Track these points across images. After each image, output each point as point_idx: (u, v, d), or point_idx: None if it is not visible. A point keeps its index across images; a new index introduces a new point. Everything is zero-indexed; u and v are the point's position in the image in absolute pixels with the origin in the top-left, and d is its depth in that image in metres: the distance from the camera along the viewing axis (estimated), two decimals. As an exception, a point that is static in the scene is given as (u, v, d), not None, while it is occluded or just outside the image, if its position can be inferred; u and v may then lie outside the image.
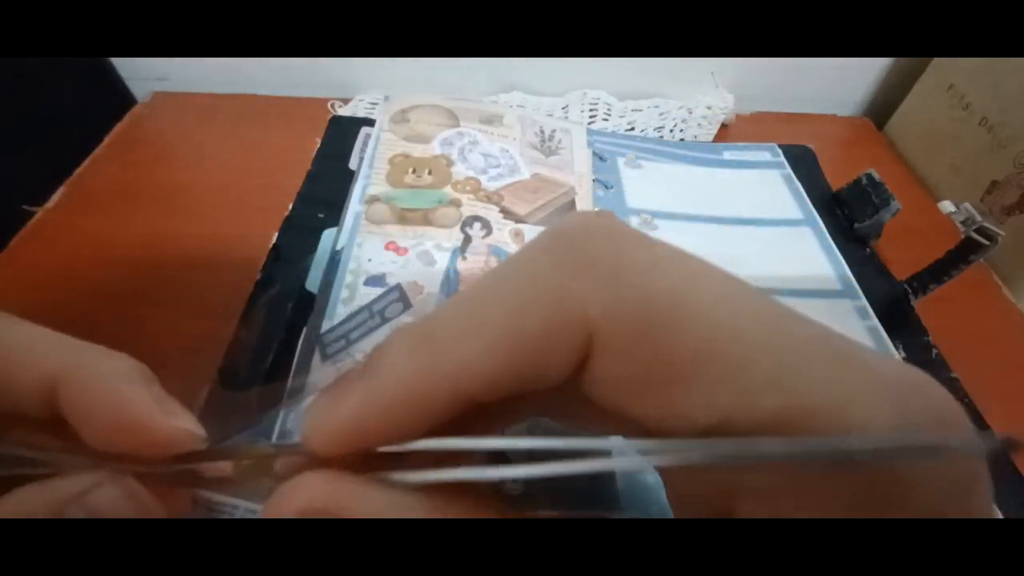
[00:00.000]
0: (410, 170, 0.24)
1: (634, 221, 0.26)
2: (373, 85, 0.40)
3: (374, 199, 0.23)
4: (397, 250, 0.21)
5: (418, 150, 0.25)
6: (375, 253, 0.21)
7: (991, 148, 0.33)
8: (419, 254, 0.22)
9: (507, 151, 0.26)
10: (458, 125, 0.27)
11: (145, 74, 0.41)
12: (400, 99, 0.28)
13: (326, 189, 0.31)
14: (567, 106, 0.40)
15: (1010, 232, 0.31)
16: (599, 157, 0.28)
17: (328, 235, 0.25)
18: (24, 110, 0.33)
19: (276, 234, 0.29)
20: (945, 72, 0.37)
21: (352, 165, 0.26)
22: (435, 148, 0.26)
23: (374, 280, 0.20)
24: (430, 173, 0.24)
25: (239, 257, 0.25)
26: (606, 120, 0.39)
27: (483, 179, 0.25)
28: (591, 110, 0.40)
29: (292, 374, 0.20)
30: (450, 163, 0.25)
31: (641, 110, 0.38)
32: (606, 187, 0.27)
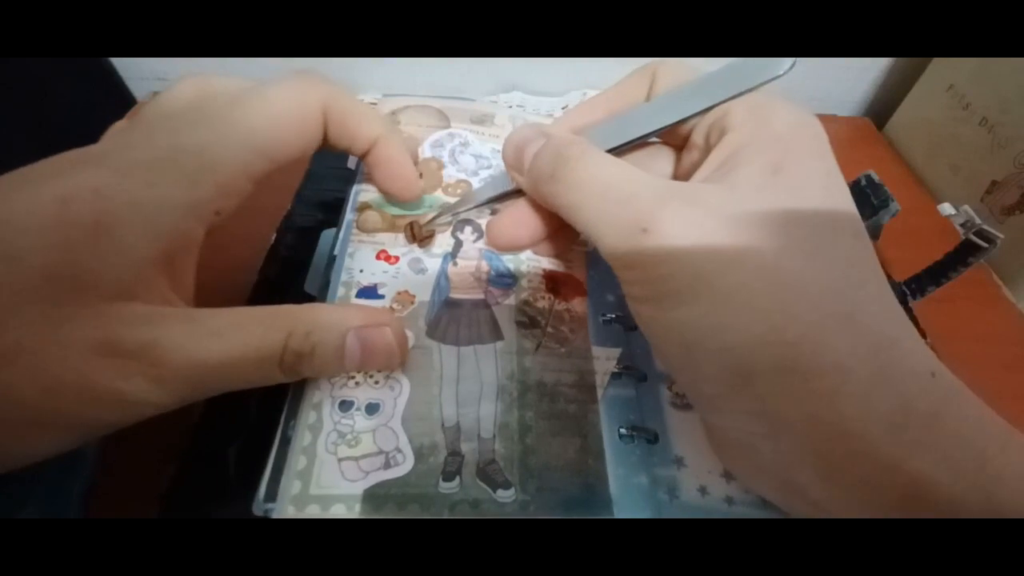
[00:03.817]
0: None
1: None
2: (373, 85, 0.40)
3: (365, 206, 0.23)
4: (388, 259, 0.21)
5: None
6: (366, 263, 0.21)
7: (991, 148, 0.33)
8: (410, 262, 0.21)
9: (499, 152, 0.26)
10: (449, 126, 0.27)
11: (145, 74, 0.41)
12: (390, 101, 0.28)
13: (325, 189, 0.31)
14: (567, 106, 0.40)
15: (1010, 232, 0.31)
16: None
17: (327, 236, 0.25)
18: (24, 110, 0.33)
19: (274, 235, 0.29)
20: (945, 72, 0.37)
21: (351, 165, 0.26)
22: (426, 150, 0.25)
23: (366, 291, 0.20)
24: (421, 177, 0.24)
25: (238, 258, 0.25)
26: (606, 120, 0.39)
27: (474, 181, 0.25)
28: (591, 110, 0.40)
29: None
30: (441, 166, 0.25)
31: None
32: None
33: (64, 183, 0.14)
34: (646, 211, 0.14)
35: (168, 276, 0.16)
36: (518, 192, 0.19)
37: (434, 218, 0.22)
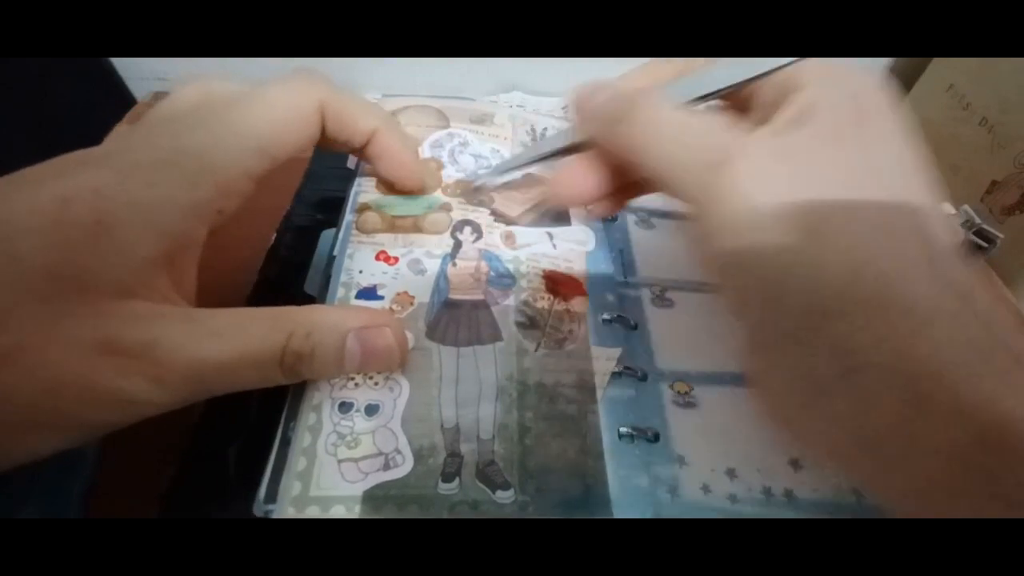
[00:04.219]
0: None
1: (631, 219, 0.26)
2: (373, 85, 0.39)
3: (364, 207, 0.23)
4: (388, 260, 0.21)
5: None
6: (366, 264, 0.21)
7: (991, 148, 0.33)
8: (409, 263, 0.21)
9: (498, 151, 0.26)
10: (448, 126, 0.27)
11: (145, 74, 0.41)
12: (390, 101, 0.27)
13: (325, 189, 0.30)
14: (567, 106, 0.40)
15: (1010, 232, 0.31)
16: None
17: (327, 236, 0.25)
18: (24, 110, 0.33)
19: (274, 235, 0.29)
20: (945, 72, 0.37)
21: (351, 165, 0.26)
22: (425, 151, 0.25)
23: (365, 292, 0.20)
24: None
25: (237, 258, 0.25)
26: (606, 120, 0.39)
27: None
28: (591, 110, 0.40)
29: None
30: (440, 166, 0.25)
31: (641, 110, 0.38)
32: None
33: (65, 184, 0.14)
34: (723, 145, 0.14)
35: (170, 275, 0.16)
36: (578, 149, 0.19)
37: (488, 174, 0.23)
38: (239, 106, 0.17)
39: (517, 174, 0.23)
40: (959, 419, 0.12)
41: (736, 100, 0.18)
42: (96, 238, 0.14)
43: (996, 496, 0.12)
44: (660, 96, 0.16)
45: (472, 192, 0.24)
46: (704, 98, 0.17)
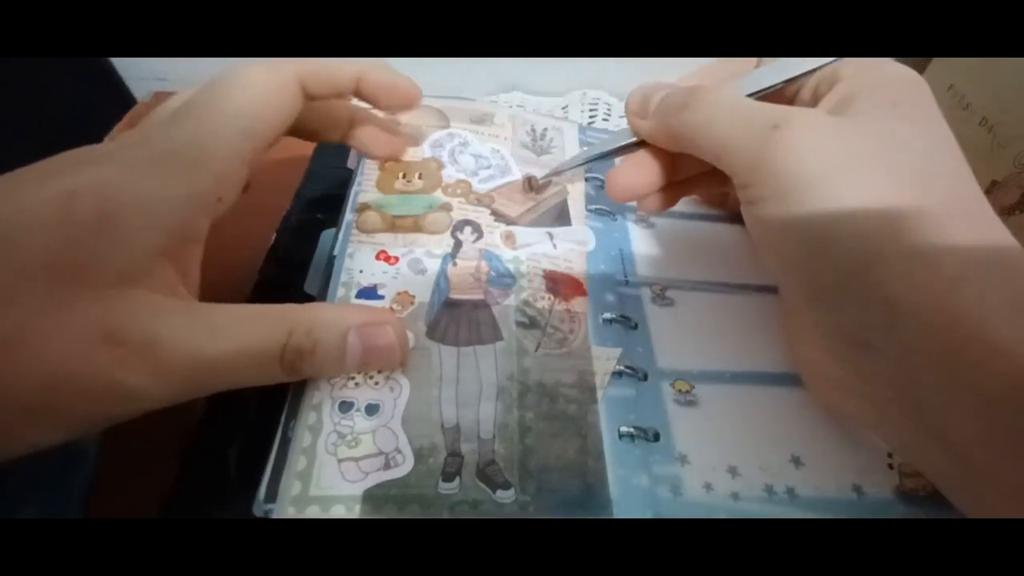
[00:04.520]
0: (400, 175, 0.24)
1: (631, 218, 0.26)
2: (373, 85, 0.40)
3: (364, 207, 0.23)
4: (388, 259, 0.21)
5: (408, 154, 0.25)
6: (366, 264, 0.21)
7: (991, 148, 0.33)
8: (410, 262, 0.21)
9: (498, 151, 0.26)
10: (448, 126, 0.27)
11: (145, 74, 0.41)
12: None
13: (325, 189, 0.30)
14: (567, 106, 0.40)
15: (1010, 232, 0.31)
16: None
17: (327, 236, 0.25)
18: (24, 110, 0.33)
19: (274, 235, 0.29)
20: (945, 72, 0.37)
21: (350, 164, 0.26)
22: (425, 151, 0.25)
23: (366, 292, 0.20)
24: (420, 177, 0.24)
25: (237, 258, 0.25)
26: (606, 120, 0.39)
27: (474, 181, 0.25)
28: (591, 110, 0.40)
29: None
30: (440, 166, 0.25)
31: (641, 110, 0.38)
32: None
33: (70, 179, 0.14)
34: (780, 113, 0.16)
35: (175, 266, 0.16)
36: (636, 147, 0.21)
37: (553, 172, 0.25)
38: (220, 93, 0.18)
39: (579, 169, 0.25)
40: (992, 368, 0.13)
41: (779, 99, 0.19)
42: (100, 231, 0.14)
43: None
44: (720, 86, 0.19)
45: (537, 187, 0.25)
46: (753, 95, 0.19)
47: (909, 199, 0.14)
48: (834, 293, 0.15)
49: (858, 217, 0.14)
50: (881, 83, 0.16)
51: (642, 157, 0.21)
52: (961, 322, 0.13)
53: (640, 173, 0.21)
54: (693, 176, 0.22)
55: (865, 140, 0.15)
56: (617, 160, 0.23)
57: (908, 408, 0.14)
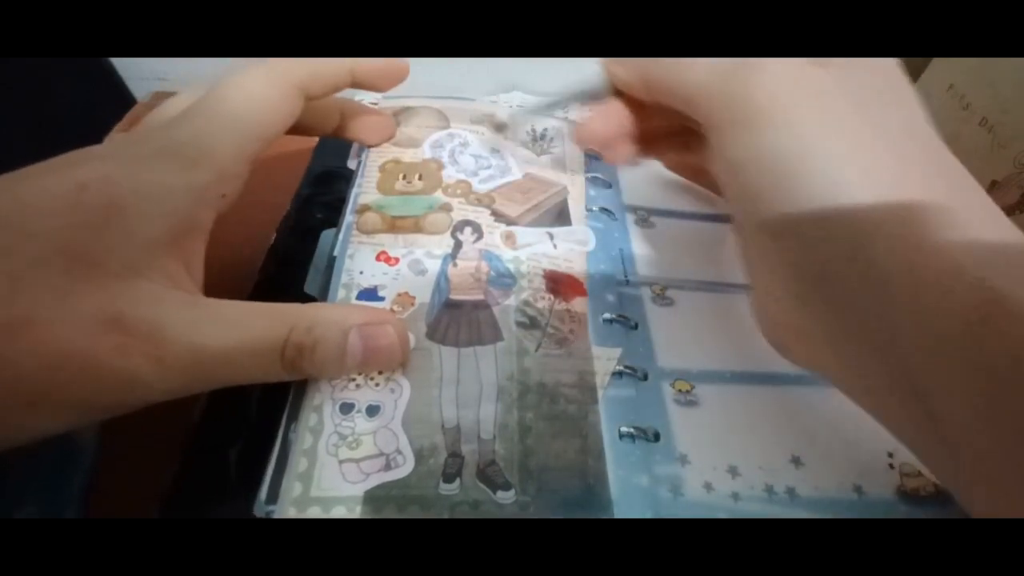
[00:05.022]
0: (400, 176, 0.24)
1: (631, 218, 0.26)
2: (373, 85, 0.39)
3: (365, 208, 0.23)
4: (388, 260, 0.21)
5: (408, 155, 0.25)
6: (367, 265, 0.21)
7: (991, 148, 0.33)
8: (410, 263, 0.21)
9: (498, 151, 0.26)
10: (448, 126, 0.27)
11: (145, 74, 0.41)
12: (390, 101, 0.28)
13: (324, 189, 0.30)
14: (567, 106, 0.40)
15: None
16: (594, 156, 0.28)
17: (327, 236, 0.25)
18: (24, 110, 0.33)
19: (274, 235, 0.29)
20: (945, 72, 0.37)
21: (351, 164, 0.26)
22: (425, 151, 0.25)
23: (366, 293, 0.20)
24: (420, 178, 0.24)
25: (237, 258, 0.25)
26: (606, 120, 0.39)
27: (474, 181, 0.25)
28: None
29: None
30: (440, 167, 0.25)
31: (641, 110, 0.38)
32: (606, 185, 0.27)
33: (80, 171, 0.15)
34: (746, 60, 0.16)
35: (180, 260, 0.17)
36: (603, 94, 0.22)
37: (518, 113, 0.26)
38: (221, 95, 0.18)
39: (549, 112, 0.26)
40: (964, 304, 0.12)
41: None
42: (109, 220, 0.15)
43: (980, 368, 0.12)
44: None
45: (502, 128, 0.26)
46: None
47: (873, 129, 0.14)
48: (797, 223, 0.15)
49: (824, 145, 0.14)
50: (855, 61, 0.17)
51: (613, 105, 0.21)
52: (927, 253, 0.13)
53: (610, 120, 0.21)
54: (661, 136, 0.22)
55: (832, 77, 0.15)
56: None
57: (867, 348, 0.14)
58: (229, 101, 0.18)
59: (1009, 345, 0.11)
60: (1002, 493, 0.12)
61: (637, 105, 0.21)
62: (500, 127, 0.26)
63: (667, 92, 0.18)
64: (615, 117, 0.21)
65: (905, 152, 0.14)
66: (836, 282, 0.14)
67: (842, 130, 0.14)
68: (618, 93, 0.21)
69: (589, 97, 0.22)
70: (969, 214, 0.13)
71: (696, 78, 0.17)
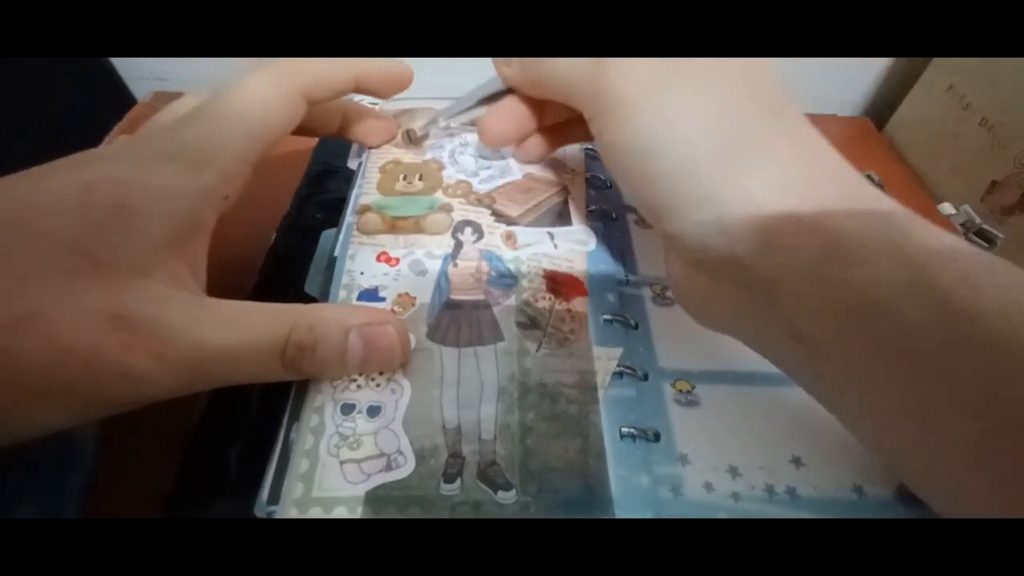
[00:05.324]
0: (401, 176, 0.24)
1: (631, 219, 0.26)
2: (373, 85, 0.39)
3: (365, 209, 0.23)
4: (389, 261, 0.21)
5: (408, 155, 0.25)
6: (367, 266, 0.21)
7: (991, 148, 0.33)
8: (410, 263, 0.21)
9: (498, 151, 0.26)
10: (449, 127, 0.27)
11: (145, 74, 0.41)
12: (390, 102, 0.27)
13: (325, 189, 0.30)
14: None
15: (1010, 232, 0.31)
16: (593, 155, 0.28)
17: (327, 236, 0.25)
18: (24, 110, 0.33)
19: (274, 235, 0.29)
20: (945, 72, 0.37)
21: (351, 164, 0.26)
22: (425, 152, 0.25)
23: (367, 294, 0.20)
24: (421, 179, 0.24)
25: (237, 258, 0.25)
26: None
27: (474, 181, 0.25)
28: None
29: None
30: (441, 167, 0.25)
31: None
32: (606, 186, 0.27)
33: (87, 172, 0.15)
34: (605, 58, 0.17)
35: (183, 259, 0.17)
36: (505, 94, 0.22)
37: (429, 122, 0.25)
38: (225, 98, 0.19)
39: (453, 118, 0.25)
40: (805, 241, 0.14)
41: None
42: (117, 220, 0.15)
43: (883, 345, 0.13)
44: None
45: (416, 139, 0.25)
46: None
47: (727, 104, 0.16)
48: (670, 200, 0.16)
49: (682, 124, 0.15)
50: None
51: (510, 102, 0.22)
52: (758, 206, 0.15)
53: (509, 118, 0.22)
54: (563, 124, 0.23)
55: (683, 61, 0.16)
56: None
57: (746, 302, 0.16)
58: (234, 105, 0.18)
59: (853, 275, 0.13)
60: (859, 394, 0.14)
61: (533, 100, 0.22)
62: (416, 139, 0.26)
63: (550, 90, 0.19)
64: (515, 112, 0.22)
65: (753, 103, 0.16)
66: (707, 249, 0.16)
67: (695, 112, 0.16)
68: (515, 92, 0.22)
69: (493, 98, 0.23)
70: (801, 164, 0.15)
71: (567, 76, 0.18)
